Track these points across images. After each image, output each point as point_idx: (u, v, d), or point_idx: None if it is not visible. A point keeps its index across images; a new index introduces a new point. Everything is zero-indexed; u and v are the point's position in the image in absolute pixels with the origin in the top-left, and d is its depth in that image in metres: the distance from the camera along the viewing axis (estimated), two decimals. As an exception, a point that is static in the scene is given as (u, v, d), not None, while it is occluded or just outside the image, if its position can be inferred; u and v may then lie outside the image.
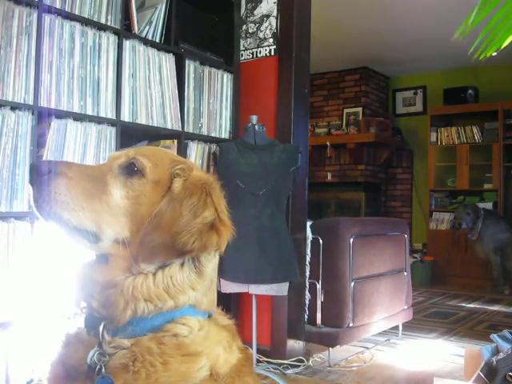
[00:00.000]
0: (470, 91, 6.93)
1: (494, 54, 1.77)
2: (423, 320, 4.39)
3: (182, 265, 0.93)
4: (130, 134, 2.69)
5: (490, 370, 1.93)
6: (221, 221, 0.94)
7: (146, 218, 0.92)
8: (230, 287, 2.71)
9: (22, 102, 2.15)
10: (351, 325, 3.13)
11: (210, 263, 0.97)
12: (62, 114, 2.30)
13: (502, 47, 1.74)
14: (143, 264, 0.91)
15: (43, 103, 2.23)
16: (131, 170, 0.95)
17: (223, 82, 3.16)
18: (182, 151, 2.85)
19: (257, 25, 3.36)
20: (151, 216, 0.91)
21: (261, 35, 3.34)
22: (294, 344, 3.12)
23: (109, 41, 2.50)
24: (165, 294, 0.90)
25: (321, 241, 3.18)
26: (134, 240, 0.92)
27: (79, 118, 2.36)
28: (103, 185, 0.93)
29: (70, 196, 0.90)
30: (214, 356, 0.90)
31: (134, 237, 0.92)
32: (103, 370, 0.88)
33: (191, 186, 0.95)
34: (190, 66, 2.95)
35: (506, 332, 2.14)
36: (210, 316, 0.98)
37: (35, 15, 2.19)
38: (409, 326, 3.91)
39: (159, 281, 0.91)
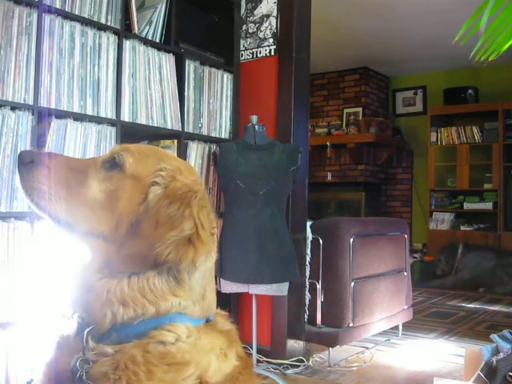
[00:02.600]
0: (470, 91, 6.93)
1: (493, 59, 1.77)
2: (423, 320, 4.38)
3: (159, 272, 0.89)
4: (130, 135, 2.68)
5: (490, 370, 1.93)
6: (198, 236, 0.88)
7: (124, 216, 0.90)
8: (230, 287, 2.71)
9: (22, 102, 2.15)
10: (351, 325, 3.13)
11: (194, 273, 0.91)
12: (61, 114, 2.30)
13: (502, 51, 1.74)
14: (118, 272, 0.89)
15: (43, 103, 2.23)
16: (113, 164, 0.94)
17: (223, 82, 3.16)
18: (182, 151, 2.85)
19: (257, 25, 3.36)
20: (128, 225, 0.89)
21: (261, 35, 3.34)
22: (293, 344, 3.12)
23: (109, 41, 2.50)
24: (142, 299, 0.87)
25: (321, 241, 3.18)
26: (112, 237, 0.90)
27: (79, 118, 2.36)
28: (84, 177, 0.93)
29: (47, 185, 0.90)
30: (203, 365, 0.87)
31: (112, 233, 0.90)
32: (84, 377, 0.86)
33: (171, 194, 0.90)
34: (190, 66, 2.95)
35: (506, 332, 2.14)
36: (208, 321, 0.96)
37: (35, 15, 2.19)
38: (409, 326, 3.91)
39: (134, 283, 0.87)
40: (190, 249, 0.87)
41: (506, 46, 1.73)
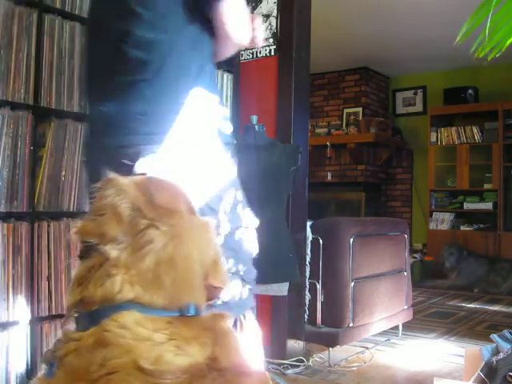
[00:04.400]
0: (470, 91, 6.92)
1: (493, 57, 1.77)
2: (423, 320, 4.38)
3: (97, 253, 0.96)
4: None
5: (490, 370, 1.93)
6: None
7: None
8: (230, 287, 2.71)
9: (22, 101, 2.15)
10: (351, 325, 3.13)
11: (144, 259, 0.94)
12: (62, 114, 2.30)
13: (503, 50, 1.74)
14: None
15: (43, 103, 2.23)
16: None
17: (223, 81, 3.16)
18: (182, 151, 2.85)
19: (257, 25, 3.36)
20: None
21: (261, 35, 3.34)
22: (294, 344, 3.12)
23: (109, 41, 2.50)
24: (87, 273, 0.95)
25: (321, 241, 3.17)
26: None
27: (79, 118, 2.36)
28: None
29: None
30: (139, 349, 0.87)
31: None
32: (53, 354, 0.94)
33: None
34: (190, 66, 2.94)
35: (506, 332, 2.14)
36: (183, 313, 0.94)
37: (35, 15, 2.19)
38: (409, 326, 3.91)
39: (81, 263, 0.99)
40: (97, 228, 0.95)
41: (507, 45, 1.73)
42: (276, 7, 3.28)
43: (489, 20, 1.61)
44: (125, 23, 1.38)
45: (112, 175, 1.02)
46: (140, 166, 1.38)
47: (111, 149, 1.43)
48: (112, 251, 0.93)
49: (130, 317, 0.90)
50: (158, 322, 0.91)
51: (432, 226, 7.05)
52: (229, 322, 1.02)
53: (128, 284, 0.92)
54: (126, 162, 1.39)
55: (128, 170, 1.40)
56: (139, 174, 1.23)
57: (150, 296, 0.93)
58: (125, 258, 0.93)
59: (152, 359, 0.86)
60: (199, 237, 1.02)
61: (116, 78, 1.41)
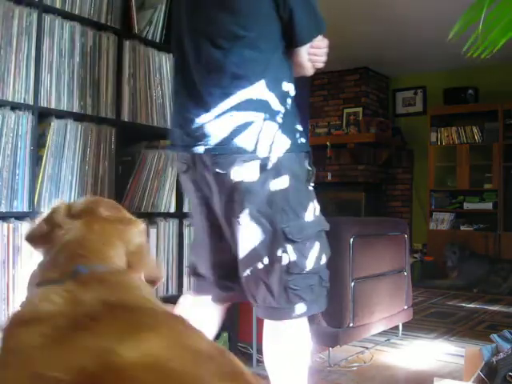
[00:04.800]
0: (470, 91, 6.92)
1: (488, 57, 1.76)
2: (423, 320, 4.39)
3: None
4: (130, 135, 2.68)
5: (490, 370, 1.93)
6: None
7: None
8: (230, 287, 2.71)
9: (22, 101, 2.15)
10: (351, 325, 3.13)
11: (45, 253, 1.21)
12: (62, 114, 2.30)
13: (496, 49, 1.74)
14: None
15: (43, 103, 2.23)
16: None
17: (223, 82, 3.15)
18: (182, 151, 2.85)
19: (257, 25, 3.36)
20: None
21: (261, 35, 3.34)
22: (294, 344, 3.12)
23: (109, 41, 2.50)
24: None
25: (321, 241, 3.17)
26: None
27: (79, 118, 2.36)
28: None
29: None
30: (22, 309, 1.14)
31: None
32: None
33: None
34: (190, 66, 2.94)
35: (506, 332, 2.14)
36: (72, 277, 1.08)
37: (35, 15, 2.19)
38: (409, 326, 3.91)
39: None
40: None
41: (500, 44, 1.72)
42: (276, 7, 3.28)
43: (481, 21, 1.61)
44: (225, 42, 1.55)
45: (59, 202, 1.27)
46: (233, 174, 1.54)
47: (202, 158, 1.56)
48: (40, 254, 1.22)
49: (34, 293, 1.11)
50: (47, 288, 1.09)
51: (432, 225, 7.06)
52: (134, 277, 1.13)
53: (40, 272, 1.14)
54: (218, 170, 1.54)
55: (220, 178, 1.55)
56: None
57: (50, 274, 1.11)
58: (44, 256, 1.20)
59: (27, 312, 1.08)
60: (111, 228, 1.20)
61: (211, 90, 1.56)
